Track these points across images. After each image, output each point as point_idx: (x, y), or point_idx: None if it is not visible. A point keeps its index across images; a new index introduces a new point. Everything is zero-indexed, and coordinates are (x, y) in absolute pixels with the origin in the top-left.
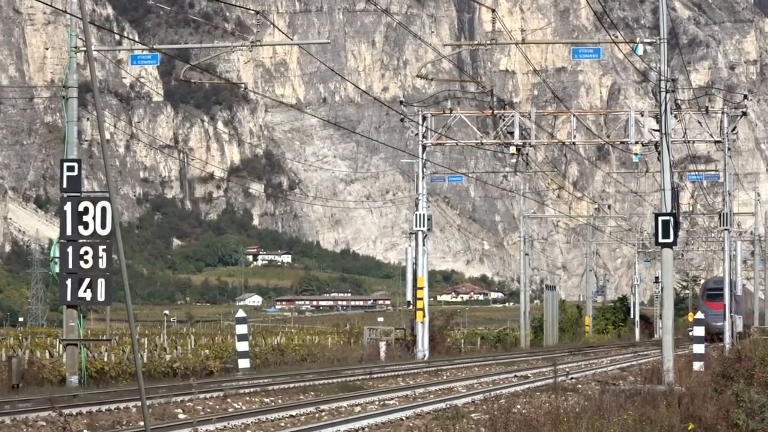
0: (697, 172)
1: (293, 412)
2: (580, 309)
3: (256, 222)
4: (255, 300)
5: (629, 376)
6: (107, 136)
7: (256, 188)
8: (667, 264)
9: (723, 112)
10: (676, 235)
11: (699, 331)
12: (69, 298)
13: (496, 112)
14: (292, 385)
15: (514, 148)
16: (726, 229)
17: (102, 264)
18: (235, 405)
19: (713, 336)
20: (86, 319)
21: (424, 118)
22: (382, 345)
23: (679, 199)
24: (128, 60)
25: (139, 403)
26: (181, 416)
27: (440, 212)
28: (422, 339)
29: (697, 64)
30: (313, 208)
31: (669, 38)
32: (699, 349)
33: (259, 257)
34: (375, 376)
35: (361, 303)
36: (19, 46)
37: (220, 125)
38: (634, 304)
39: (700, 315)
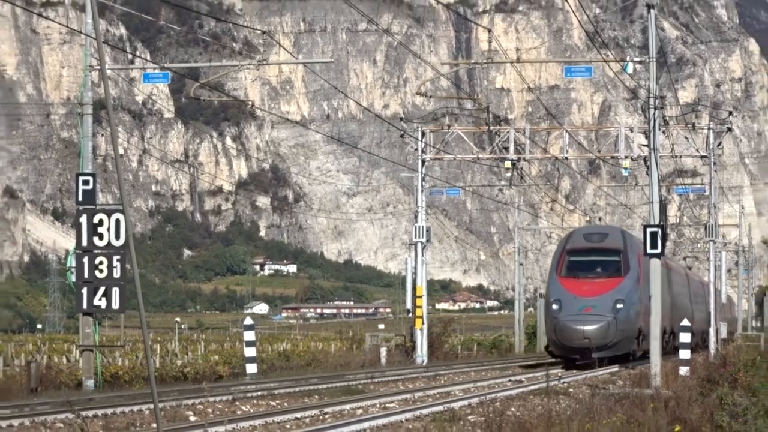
0: (684, 186)
1: (298, 415)
2: None
3: (262, 233)
4: (262, 308)
5: (618, 381)
6: (120, 151)
7: (263, 201)
8: (655, 273)
9: (709, 128)
10: (663, 246)
11: (685, 337)
12: (85, 306)
13: (491, 128)
14: (297, 389)
15: (509, 162)
16: (711, 240)
17: (116, 273)
18: (243, 408)
19: (575, 353)
20: (101, 326)
21: (423, 134)
22: (383, 351)
23: (667, 212)
24: (140, 78)
25: (151, 406)
26: (192, 418)
27: (438, 224)
28: (421, 345)
29: (685, 82)
30: (317, 220)
31: (658, 57)
32: (685, 354)
33: (266, 267)
34: (376, 380)
35: (363, 311)
36: (36, 65)
37: (228, 141)
38: None
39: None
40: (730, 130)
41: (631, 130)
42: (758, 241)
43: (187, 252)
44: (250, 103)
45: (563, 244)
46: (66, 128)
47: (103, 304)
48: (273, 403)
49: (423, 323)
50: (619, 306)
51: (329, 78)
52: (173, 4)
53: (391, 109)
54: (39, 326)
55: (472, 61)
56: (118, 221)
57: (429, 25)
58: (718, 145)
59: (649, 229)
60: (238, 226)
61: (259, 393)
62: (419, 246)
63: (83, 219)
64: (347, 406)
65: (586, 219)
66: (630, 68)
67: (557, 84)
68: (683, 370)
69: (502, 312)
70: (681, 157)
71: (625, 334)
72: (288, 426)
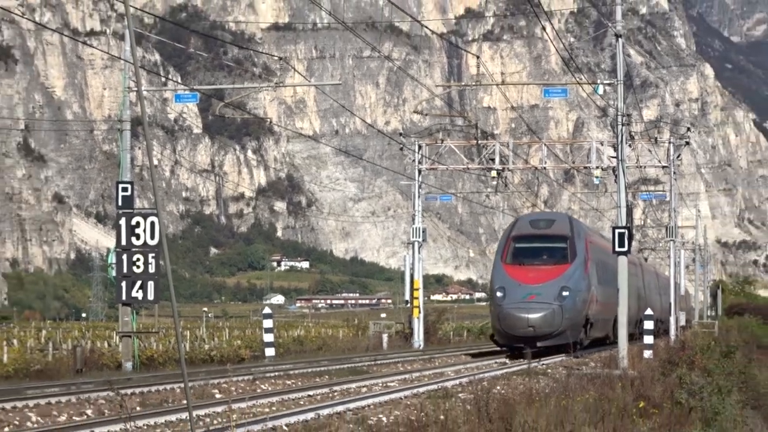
0: (647, 192)
1: (310, 392)
2: None
3: (279, 234)
4: (279, 299)
5: (591, 363)
6: (155, 162)
7: (280, 206)
8: (622, 269)
9: (669, 142)
10: (630, 245)
11: (649, 324)
12: (124, 297)
13: (479, 142)
14: (309, 370)
15: (495, 172)
16: (672, 240)
17: (151, 269)
18: (262, 387)
19: (519, 342)
20: (138, 314)
21: (420, 147)
22: (385, 336)
23: (633, 215)
24: (172, 98)
25: (182, 385)
26: (218, 396)
27: (433, 226)
28: (418, 331)
29: (648, 102)
30: (327, 222)
31: (624, 80)
32: (649, 340)
33: (282, 263)
34: (378, 362)
35: (367, 301)
36: (81, 86)
37: (249, 153)
38: None
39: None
40: (687, 143)
41: (602, 144)
42: (712, 241)
43: (213, 250)
44: (268, 120)
45: (509, 231)
46: (107, 142)
47: (139, 295)
48: (288, 382)
49: (419, 312)
50: (565, 293)
51: (338, 98)
52: (201, 33)
53: (391, 125)
54: (83, 315)
55: (463, 83)
56: (153, 223)
57: (425, 52)
58: (678, 156)
59: (617, 230)
60: (258, 228)
61: (276, 373)
62: (416, 245)
63: (122, 221)
64: (353, 385)
65: None
66: (600, 90)
67: (537, 103)
68: (647, 354)
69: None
70: (645, 167)
71: (571, 322)
72: (302, 402)
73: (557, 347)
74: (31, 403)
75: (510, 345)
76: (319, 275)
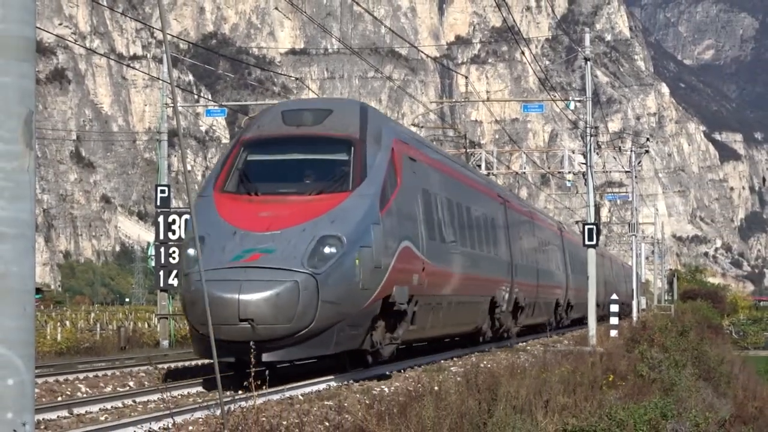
0: (612, 193)
1: (324, 367)
2: None
3: None
4: None
5: (565, 341)
6: (188, 167)
7: None
8: (591, 259)
9: (631, 150)
10: (597, 239)
11: (614, 308)
12: (161, 284)
13: (468, 150)
14: None
15: None
16: (633, 235)
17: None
18: None
19: (227, 353)
20: (174, 299)
21: None
22: None
23: (600, 213)
24: (204, 113)
25: (211, 361)
26: None
27: None
28: None
29: (613, 116)
30: None
31: (592, 97)
32: (614, 321)
33: None
34: None
35: None
36: (125, 103)
37: None
38: None
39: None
40: (647, 152)
41: (573, 152)
42: (669, 235)
43: None
44: None
45: (241, 132)
46: (148, 151)
47: (175, 283)
48: None
49: None
50: (330, 250)
51: None
52: (229, 57)
53: None
54: (127, 300)
55: (453, 100)
56: (186, 221)
57: (421, 73)
58: (638, 163)
59: (587, 226)
60: None
61: None
62: None
63: (160, 219)
64: None
65: None
66: (572, 105)
67: (517, 117)
68: (613, 333)
69: None
70: (610, 172)
71: (339, 310)
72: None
73: (333, 357)
74: (81, 375)
75: (209, 357)
76: None
